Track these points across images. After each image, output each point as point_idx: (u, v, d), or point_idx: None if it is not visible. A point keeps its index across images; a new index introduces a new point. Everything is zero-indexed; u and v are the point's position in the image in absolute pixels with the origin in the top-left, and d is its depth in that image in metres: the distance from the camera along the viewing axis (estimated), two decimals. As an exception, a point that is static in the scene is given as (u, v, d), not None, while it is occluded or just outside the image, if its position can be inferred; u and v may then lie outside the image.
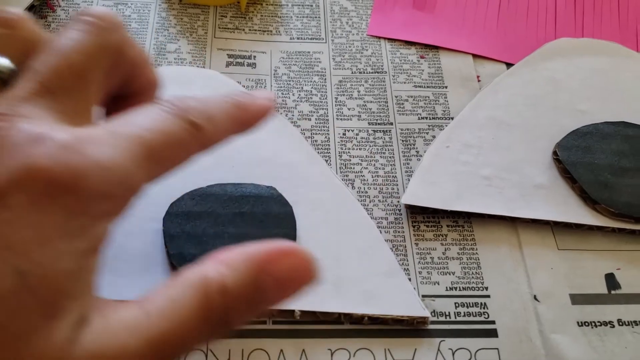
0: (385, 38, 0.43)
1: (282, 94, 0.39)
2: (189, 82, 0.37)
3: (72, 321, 0.16)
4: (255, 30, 0.42)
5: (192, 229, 0.31)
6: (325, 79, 0.40)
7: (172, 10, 0.43)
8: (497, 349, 0.30)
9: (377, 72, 0.41)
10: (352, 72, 0.41)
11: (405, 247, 0.33)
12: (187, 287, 0.18)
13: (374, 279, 0.31)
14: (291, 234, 0.31)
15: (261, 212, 0.32)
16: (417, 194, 0.34)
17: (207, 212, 0.32)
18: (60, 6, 0.42)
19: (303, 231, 0.32)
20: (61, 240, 0.16)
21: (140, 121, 0.19)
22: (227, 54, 0.41)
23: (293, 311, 0.30)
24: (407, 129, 0.38)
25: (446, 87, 0.40)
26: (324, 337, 0.30)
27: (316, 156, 0.36)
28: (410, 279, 0.32)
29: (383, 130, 0.38)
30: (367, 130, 0.38)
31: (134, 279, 0.30)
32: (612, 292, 0.32)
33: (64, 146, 0.17)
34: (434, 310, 0.31)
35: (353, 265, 0.32)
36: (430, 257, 0.33)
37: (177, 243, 0.31)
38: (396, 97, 0.40)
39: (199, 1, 0.43)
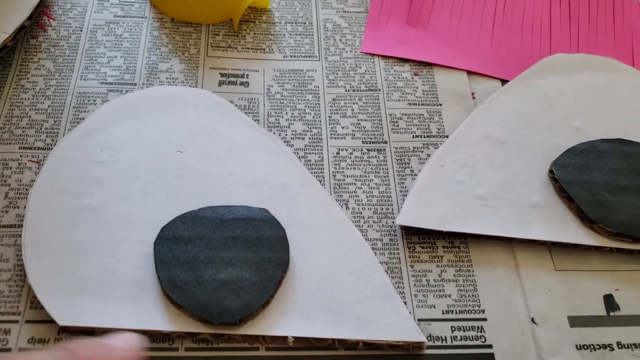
0: (378, 55, 0.42)
1: (275, 112, 0.39)
2: (181, 102, 0.37)
3: None
4: (248, 48, 0.42)
5: (183, 254, 0.30)
6: (319, 97, 0.40)
7: (164, 28, 0.42)
8: (495, 373, 0.30)
9: (371, 90, 0.41)
10: (346, 90, 0.40)
11: (401, 269, 0.33)
12: None
13: (369, 303, 0.31)
14: (284, 257, 0.31)
15: (254, 236, 0.31)
16: (412, 214, 0.33)
17: (199, 236, 0.31)
18: (51, 26, 0.42)
19: (296, 254, 0.32)
20: None
21: None
22: (220, 73, 0.40)
23: (286, 337, 0.29)
24: (402, 148, 0.38)
25: (440, 104, 0.40)
26: (318, 363, 0.30)
27: (310, 176, 0.35)
28: (405, 303, 0.32)
29: (377, 149, 0.38)
30: (361, 149, 0.38)
31: (124, 305, 0.30)
32: (611, 313, 0.32)
33: None
34: (430, 335, 0.31)
35: (347, 289, 0.31)
36: (426, 280, 0.33)
37: (168, 268, 0.30)
38: (390, 115, 0.39)
39: (191, 19, 0.43)
